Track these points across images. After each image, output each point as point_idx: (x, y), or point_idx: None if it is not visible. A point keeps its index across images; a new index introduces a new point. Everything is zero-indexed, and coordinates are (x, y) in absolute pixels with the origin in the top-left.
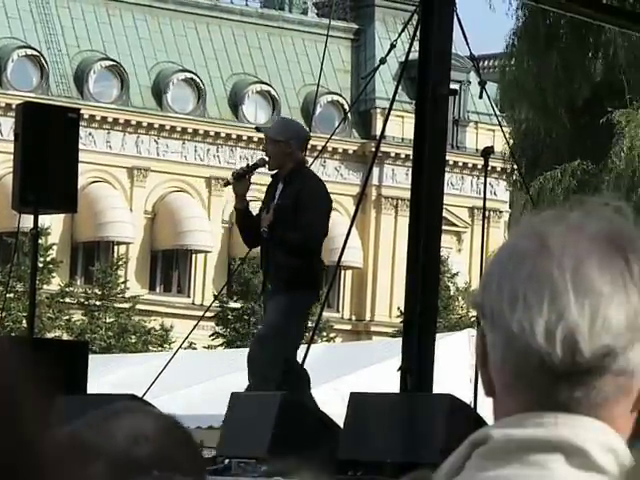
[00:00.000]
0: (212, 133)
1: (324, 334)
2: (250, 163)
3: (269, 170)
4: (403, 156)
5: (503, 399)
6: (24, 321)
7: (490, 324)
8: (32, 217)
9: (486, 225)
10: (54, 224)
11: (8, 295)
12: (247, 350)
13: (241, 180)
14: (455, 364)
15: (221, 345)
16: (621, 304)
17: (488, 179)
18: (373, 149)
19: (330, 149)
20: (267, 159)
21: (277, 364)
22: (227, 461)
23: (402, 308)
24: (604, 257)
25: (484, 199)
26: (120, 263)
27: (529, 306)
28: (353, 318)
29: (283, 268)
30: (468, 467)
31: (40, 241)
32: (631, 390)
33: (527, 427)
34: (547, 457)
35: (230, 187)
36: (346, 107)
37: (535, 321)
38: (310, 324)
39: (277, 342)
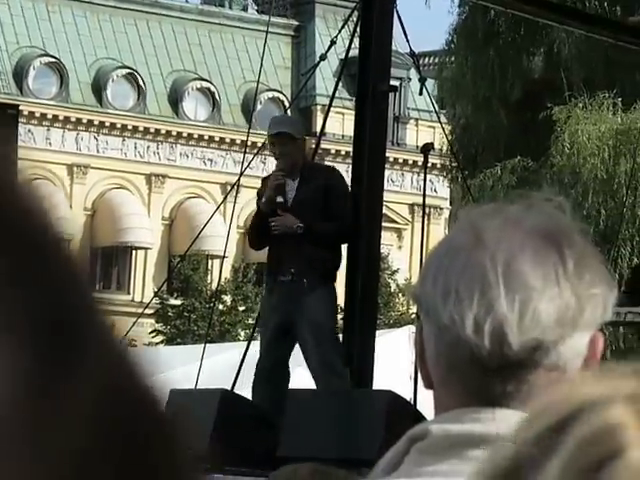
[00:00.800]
0: (152, 130)
1: None
2: (271, 174)
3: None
4: (343, 153)
5: (440, 392)
6: None
7: (426, 317)
8: None
9: (426, 222)
10: None
11: None
12: (187, 347)
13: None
14: (395, 361)
15: (161, 342)
16: (552, 299)
17: (428, 176)
18: (313, 146)
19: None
20: (279, 160)
21: (340, 358)
22: None
23: (342, 305)
24: (538, 251)
25: (424, 196)
26: None
27: (460, 299)
28: None
29: (316, 261)
30: (407, 462)
31: None
32: None
33: (465, 422)
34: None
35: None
36: (286, 104)
37: (465, 314)
38: (251, 321)
39: (331, 336)
